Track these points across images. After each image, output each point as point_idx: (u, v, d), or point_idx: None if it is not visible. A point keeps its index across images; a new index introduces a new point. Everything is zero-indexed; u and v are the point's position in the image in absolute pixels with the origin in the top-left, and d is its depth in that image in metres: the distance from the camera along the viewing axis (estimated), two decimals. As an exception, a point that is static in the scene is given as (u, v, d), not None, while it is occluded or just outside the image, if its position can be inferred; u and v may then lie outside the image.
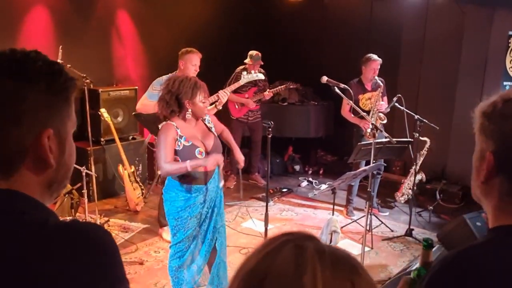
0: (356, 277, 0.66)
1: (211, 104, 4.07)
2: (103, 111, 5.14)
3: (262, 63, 5.81)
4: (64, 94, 0.91)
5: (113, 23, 5.83)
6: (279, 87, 5.93)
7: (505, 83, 5.04)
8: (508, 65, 5.00)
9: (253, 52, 5.79)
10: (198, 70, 4.37)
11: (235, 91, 5.47)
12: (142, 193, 5.29)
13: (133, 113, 4.93)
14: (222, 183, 3.15)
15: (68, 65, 4.77)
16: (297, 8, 7.11)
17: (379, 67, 5.02)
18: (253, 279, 0.67)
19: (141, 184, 5.33)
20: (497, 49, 5.36)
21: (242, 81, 4.24)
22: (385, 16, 6.46)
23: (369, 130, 4.78)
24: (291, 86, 5.89)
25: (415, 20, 6.23)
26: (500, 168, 0.97)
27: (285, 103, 6.77)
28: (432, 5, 6.03)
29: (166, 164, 2.91)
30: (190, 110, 2.97)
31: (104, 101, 5.36)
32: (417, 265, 1.31)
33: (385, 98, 5.11)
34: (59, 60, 4.81)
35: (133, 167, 5.28)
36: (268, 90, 5.80)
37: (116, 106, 5.55)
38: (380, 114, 4.92)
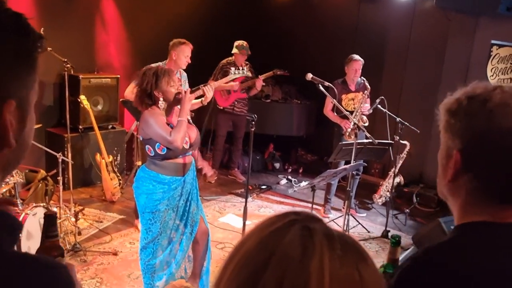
0: (363, 266, 0.63)
1: (196, 98, 4.02)
2: (82, 98, 5.04)
3: (250, 53, 5.77)
4: (31, 57, 0.75)
5: (97, 9, 5.72)
6: (265, 74, 5.83)
7: (485, 91, 5.11)
8: (489, 73, 5.08)
9: (241, 42, 5.72)
10: (189, 62, 4.36)
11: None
12: (119, 184, 5.21)
13: (121, 100, 4.85)
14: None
15: (49, 49, 4.67)
16: (286, 6, 7.11)
17: (361, 67, 5.06)
18: (257, 258, 0.63)
19: (118, 174, 5.24)
20: (479, 57, 5.44)
21: (230, 77, 4.21)
22: (371, 18, 6.49)
23: (349, 130, 4.82)
24: (278, 73, 5.82)
25: (401, 24, 6.28)
26: (468, 166, 0.96)
27: (268, 100, 6.76)
28: (419, 10, 6.09)
29: (173, 135, 2.84)
30: (161, 99, 2.93)
31: (84, 88, 5.26)
32: (383, 261, 1.32)
33: (368, 99, 5.15)
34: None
35: (111, 156, 5.19)
36: (259, 77, 5.72)
37: (96, 94, 5.45)
38: (363, 116, 4.95)
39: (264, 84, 6.75)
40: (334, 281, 0.59)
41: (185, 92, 2.93)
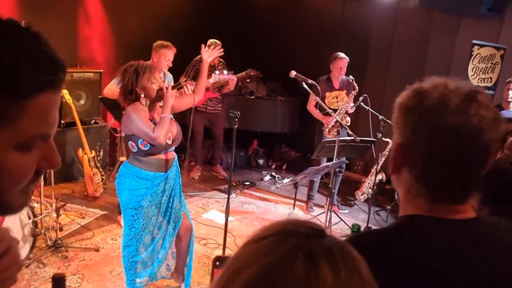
0: (361, 284, 0.61)
1: (174, 88, 4.00)
2: (64, 92, 4.97)
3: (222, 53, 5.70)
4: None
5: (80, 2, 5.65)
6: (238, 74, 5.73)
7: (466, 90, 5.19)
8: (470, 72, 5.16)
9: (212, 41, 5.60)
10: (171, 65, 4.33)
11: (193, 79, 5.41)
12: (102, 179, 5.17)
13: (99, 97, 4.80)
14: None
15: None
16: (271, 3, 7.10)
17: (346, 65, 5.10)
18: None
19: (101, 170, 5.20)
20: (461, 56, 5.51)
21: (211, 80, 4.19)
22: (356, 16, 6.54)
23: (329, 126, 4.88)
24: (252, 73, 5.73)
25: (384, 23, 6.34)
26: (405, 161, 0.98)
27: (253, 97, 6.76)
28: (402, 9, 6.14)
29: (156, 131, 2.84)
30: (143, 95, 2.92)
31: (66, 82, 5.05)
32: None
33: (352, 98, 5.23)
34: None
35: (93, 152, 5.14)
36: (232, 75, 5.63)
37: (79, 89, 5.39)
38: (347, 116, 5.02)
39: (249, 81, 6.74)
40: None
41: (166, 88, 2.92)
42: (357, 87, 5.10)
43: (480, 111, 0.91)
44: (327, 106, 4.76)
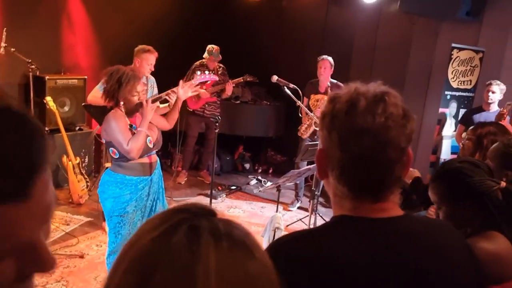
0: (251, 263, 0.63)
1: (162, 103, 4.03)
2: (48, 99, 4.97)
3: (221, 58, 5.80)
4: None
5: (64, 8, 5.64)
6: (235, 79, 5.87)
7: (446, 92, 5.28)
8: (450, 75, 5.25)
9: (211, 47, 5.74)
10: (153, 70, 4.34)
11: None
12: (87, 186, 5.16)
13: (83, 104, 4.80)
14: None
15: (12, 49, 4.60)
16: (255, 8, 7.16)
17: (328, 65, 5.22)
18: (144, 266, 0.61)
19: (86, 176, 5.19)
20: (441, 59, 5.62)
21: (194, 82, 4.22)
22: (339, 20, 6.62)
23: (304, 127, 4.99)
24: (248, 79, 5.86)
25: (367, 27, 6.43)
26: (327, 165, 1.02)
27: (238, 101, 6.80)
28: (384, 14, 6.25)
29: (130, 144, 2.84)
30: (122, 103, 2.93)
31: (50, 89, 5.18)
32: None
33: None
34: (2, 44, 4.62)
35: (78, 158, 5.13)
36: (230, 81, 5.75)
37: (63, 95, 5.38)
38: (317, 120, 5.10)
39: (234, 85, 6.80)
40: (220, 284, 0.59)
41: (146, 101, 2.93)
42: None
43: (387, 109, 0.95)
44: (309, 109, 4.85)
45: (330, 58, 5.27)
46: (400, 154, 0.98)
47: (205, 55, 5.76)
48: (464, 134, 2.84)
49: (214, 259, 0.60)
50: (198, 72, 4.06)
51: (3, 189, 0.62)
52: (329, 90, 5.18)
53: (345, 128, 0.96)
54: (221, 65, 5.89)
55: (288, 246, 1.00)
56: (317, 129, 5.06)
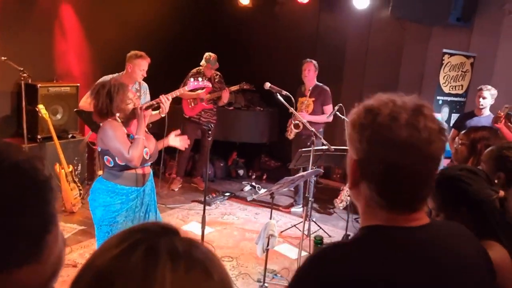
0: (208, 284, 0.63)
1: (154, 110, 4.02)
2: (41, 107, 4.95)
3: (218, 66, 5.83)
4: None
5: (56, 16, 5.63)
6: (232, 87, 5.88)
7: (438, 97, 5.32)
8: (441, 80, 5.29)
9: (209, 55, 5.75)
10: (145, 75, 4.34)
11: (190, 91, 5.46)
12: (80, 194, 5.13)
13: (75, 110, 4.78)
14: None
15: (3, 58, 4.58)
16: (247, 15, 7.19)
17: (312, 68, 5.37)
18: (100, 283, 0.61)
19: (79, 184, 5.17)
20: (432, 64, 5.66)
21: (187, 88, 4.23)
22: (331, 27, 6.66)
23: (289, 129, 5.38)
24: (245, 87, 5.88)
25: (359, 33, 6.47)
26: (363, 176, 1.04)
27: (231, 108, 6.80)
28: (375, 20, 6.30)
29: (131, 152, 2.83)
30: (117, 114, 2.92)
31: (42, 97, 5.16)
32: None
33: (328, 107, 5.36)
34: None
35: (71, 166, 5.11)
36: (226, 88, 5.76)
37: (55, 103, 5.36)
38: (297, 122, 5.27)
39: (230, 92, 6.81)
40: None
41: (140, 108, 2.93)
42: (325, 98, 5.44)
43: (428, 124, 0.98)
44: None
45: (314, 61, 5.40)
46: (437, 166, 1.03)
47: (202, 62, 5.77)
48: (457, 139, 2.86)
49: (170, 281, 0.60)
50: (191, 79, 4.06)
51: (18, 254, 0.67)
52: (312, 93, 5.41)
53: (390, 142, 0.98)
54: (218, 73, 5.92)
55: (322, 272, 1.00)
56: (297, 130, 5.29)
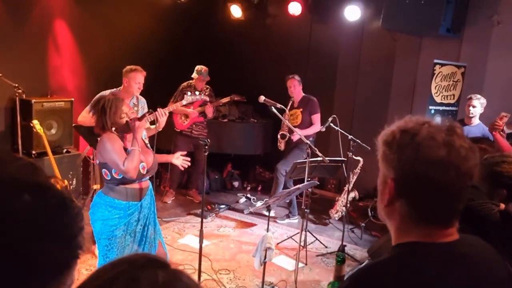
0: None
1: (151, 124, 4.05)
2: (35, 122, 4.94)
3: (209, 79, 5.87)
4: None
5: (49, 32, 5.65)
6: (223, 99, 5.92)
7: (430, 107, 5.38)
8: (433, 90, 5.35)
9: (200, 68, 5.80)
10: (142, 88, 4.37)
11: None
12: (75, 208, 5.10)
13: (73, 125, 4.79)
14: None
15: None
16: (240, 27, 7.25)
17: (296, 84, 5.53)
18: None
19: (74, 199, 5.14)
20: (424, 75, 5.74)
21: (184, 102, 4.29)
22: (323, 39, 6.73)
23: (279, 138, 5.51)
24: (236, 99, 5.91)
25: (351, 44, 6.55)
26: (400, 194, 1.08)
27: (225, 120, 6.83)
28: (367, 32, 6.38)
29: (126, 164, 2.87)
30: (113, 129, 2.96)
31: (37, 112, 5.16)
32: (331, 279, 1.42)
33: (316, 116, 5.42)
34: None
35: (66, 181, 5.09)
36: (209, 104, 5.76)
37: (50, 118, 5.35)
38: (284, 132, 5.48)
39: (221, 104, 6.83)
40: None
41: (133, 120, 2.96)
42: (313, 107, 5.52)
43: (462, 143, 1.05)
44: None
45: (296, 76, 5.54)
46: (470, 182, 1.08)
47: (194, 75, 5.81)
48: None
49: None
50: (189, 93, 4.09)
51: (65, 261, 0.73)
52: (299, 104, 5.50)
53: (431, 160, 1.03)
54: (208, 86, 5.95)
55: (375, 279, 1.05)
56: (285, 140, 5.44)
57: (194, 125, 5.96)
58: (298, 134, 4.59)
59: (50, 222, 0.70)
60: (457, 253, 1.08)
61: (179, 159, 3.42)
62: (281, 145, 5.62)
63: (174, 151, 6.04)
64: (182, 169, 3.57)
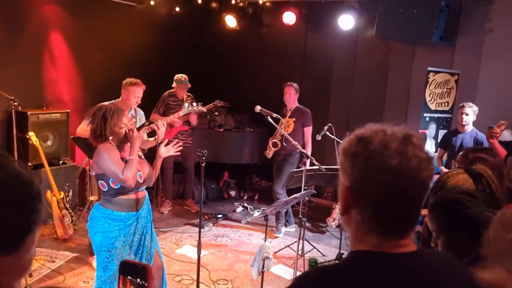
0: None
1: (150, 136, 4.06)
2: (31, 134, 4.95)
3: (190, 86, 5.83)
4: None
5: (45, 43, 5.66)
6: (206, 106, 5.33)
7: (425, 114, 5.42)
8: (427, 97, 5.40)
9: (180, 76, 5.76)
10: (140, 102, 4.38)
11: (163, 114, 5.49)
12: (72, 220, 5.10)
13: (72, 137, 4.79)
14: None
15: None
16: (235, 37, 7.30)
17: (293, 91, 5.48)
18: None
19: (71, 210, 5.14)
20: (418, 82, 5.79)
21: (182, 112, 4.30)
22: (318, 48, 6.78)
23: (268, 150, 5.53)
24: (219, 104, 5.75)
25: (345, 53, 6.60)
26: (355, 202, 1.07)
27: (221, 129, 6.84)
28: (361, 40, 6.43)
29: (125, 173, 2.87)
30: (111, 138, 2.97)
31: (33, 124, 5.16)
32: None
33: (308, 128, 5.43)
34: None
35: (62, 193, 5.08)
36: (193, 112, 5.33)
37: (46, 130, 5.36)
38: (276, 140, 5.47)
39: (217, 114, 6.84)
40: None
41: (131, 130, 2.97)
42: (305, 116, 5.51)
43: (417, 153, 1.03)
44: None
45: (294, 84, 5.51)
46: (425, 194, 1.07)
47: (174, 84, 5.79)
48: (453, 161, 2.88)
49: None
50: (186, 105, 4.11)
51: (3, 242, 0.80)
52: (293, 114, 5.47)
53: (382, 169, 1.02)
54: (189, 94, 5.89)
55: (319, 281, 1.05)
56: (275, 149, 5.44)
57: (179, 134, 5.89)
58: (294, 144, 4.59)
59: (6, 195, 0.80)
60: (408, 265, 1.05)
61: (166, 149, 3.31)
62: (270, 153, 5.62)
63: (162, 162, 5.98)
64: (179, 153, 3.49)
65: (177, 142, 3.43)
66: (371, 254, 1.06)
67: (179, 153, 3.45)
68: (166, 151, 3.33)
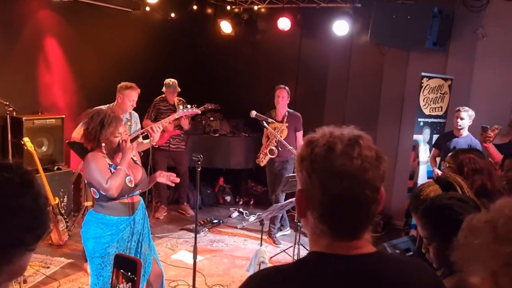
0: None
1: (144, 138, 4.05)
2: (26, 140, 4.93)
3: (179, 90, 5.82)
4: None
5: (40, 49, 5.66)
6: (199, 108, 5.09)
7: (419, 119, 5.46)
8: (421, 102, 5.44)
9: (169, 81, 5.75)
10: (135, 106, 4.39)
11: (155, 119, 5.47)
12: (67, 226, 5.08)
13: (67, 141, 4.78)
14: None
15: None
16: (230, 43, 7.33)
17: (285, 95, 5.38)
18: None
19: (65, 216, 5.12)
20: (412, 87, 5.83)
21: (176, 115, 4.31)
22: (312, 54, 6.82)
23: (262, 155, 5.41)
24: (210, 107, 5.67)
25: (340, 58, 6.64)
26: (307, 205, 1.08)
27: (216, 134, 6.85)
28: (355, 46, 6.48)
29: (109, 182, 2.85)
30: (103, 144, 2.96)
31: (27, 130, 5.15)
32: None
33: (300, 133, 5.40)
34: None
35: (57, 198, 5.07)
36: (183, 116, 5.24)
37: (40, 135, 5.34)
38: (272, 147, 5.32)
39: (212, 119, 6.84)
40: None
41: (125, 141, 2.96)
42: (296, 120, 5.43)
43: (363, 152, 1.03)
44: (267, 137, 5.10)
45: (287, 88, 5.44)
46: (376, 194, 1.06)
47: (164, 89, 5.79)
48: (443, 162, 2.91)
49: None
50: (181, 107, 4.11)
51: (28, 241, 0.87)
52: (285, 119, 5.36)
53: (325, 171, 1.03)
54: (180, 98, 5.88)
55: (269, 280, 1.06)
56: (272, 156, 5.29)
57: (171, 139, 5.88)
58: (290, 149, 4.61)
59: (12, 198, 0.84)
60: (356, 267, 1.04)
61: (163, 177, 3.30)
62: (264, 161, 5.45)
63: (154, 168, 5.96)
64: (172, 185, 3.49)
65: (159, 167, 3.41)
66: (322, 255, 1.07)
67: (175, 181, 3.38)
68: (161, 178, 3.28)
